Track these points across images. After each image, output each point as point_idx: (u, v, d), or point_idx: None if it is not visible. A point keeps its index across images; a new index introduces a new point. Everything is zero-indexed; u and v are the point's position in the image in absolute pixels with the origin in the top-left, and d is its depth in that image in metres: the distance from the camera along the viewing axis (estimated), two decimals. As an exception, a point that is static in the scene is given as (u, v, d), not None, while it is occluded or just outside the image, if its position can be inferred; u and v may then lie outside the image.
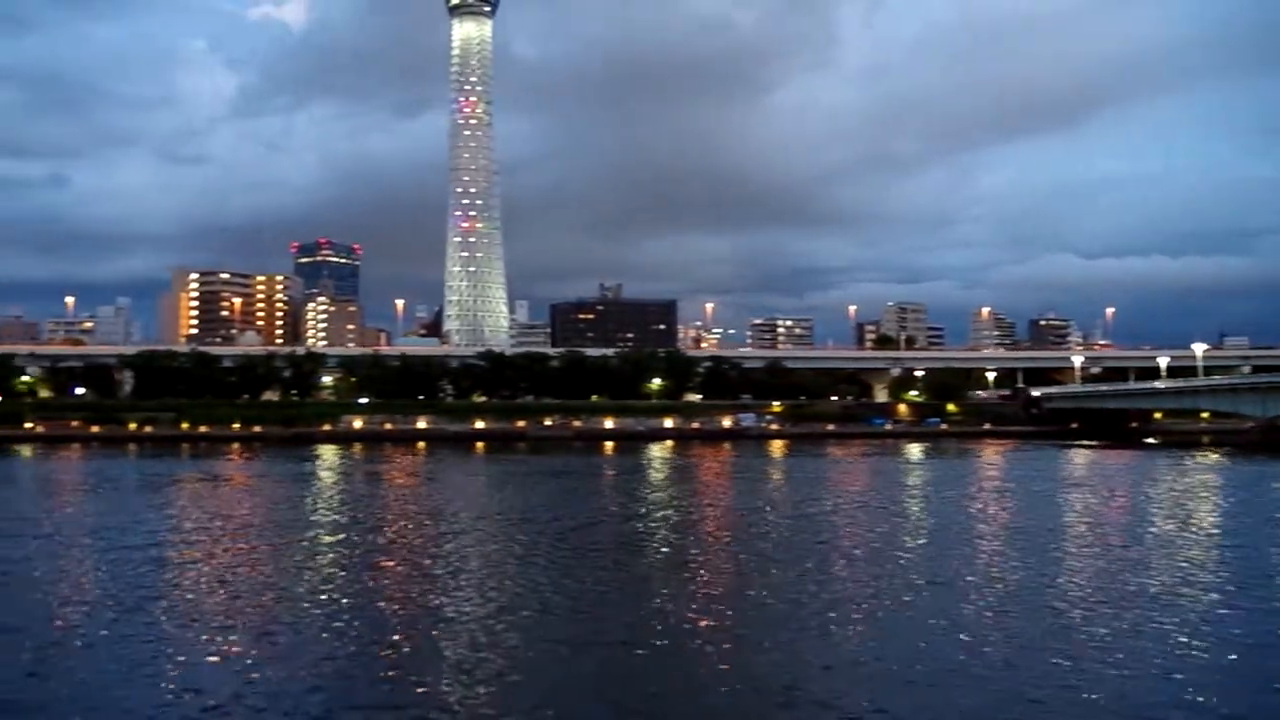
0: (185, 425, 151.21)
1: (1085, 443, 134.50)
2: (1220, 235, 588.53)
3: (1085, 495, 67.27)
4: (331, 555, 41.74)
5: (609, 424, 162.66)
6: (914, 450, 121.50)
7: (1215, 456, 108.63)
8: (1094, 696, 22.41)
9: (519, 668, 24.60)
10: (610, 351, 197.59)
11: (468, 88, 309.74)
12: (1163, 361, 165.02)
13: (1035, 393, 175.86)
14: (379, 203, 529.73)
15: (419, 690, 22.72)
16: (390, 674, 24.00)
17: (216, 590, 33.85)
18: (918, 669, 24.41)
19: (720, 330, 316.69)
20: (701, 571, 38.28)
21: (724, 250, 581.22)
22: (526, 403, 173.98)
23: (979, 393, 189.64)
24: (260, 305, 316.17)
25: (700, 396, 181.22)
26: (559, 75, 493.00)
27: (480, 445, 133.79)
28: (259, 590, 33.81)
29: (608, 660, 25.55)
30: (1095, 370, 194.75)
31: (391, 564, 39.50)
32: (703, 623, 29.28)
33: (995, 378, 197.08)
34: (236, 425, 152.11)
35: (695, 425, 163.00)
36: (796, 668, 24.67)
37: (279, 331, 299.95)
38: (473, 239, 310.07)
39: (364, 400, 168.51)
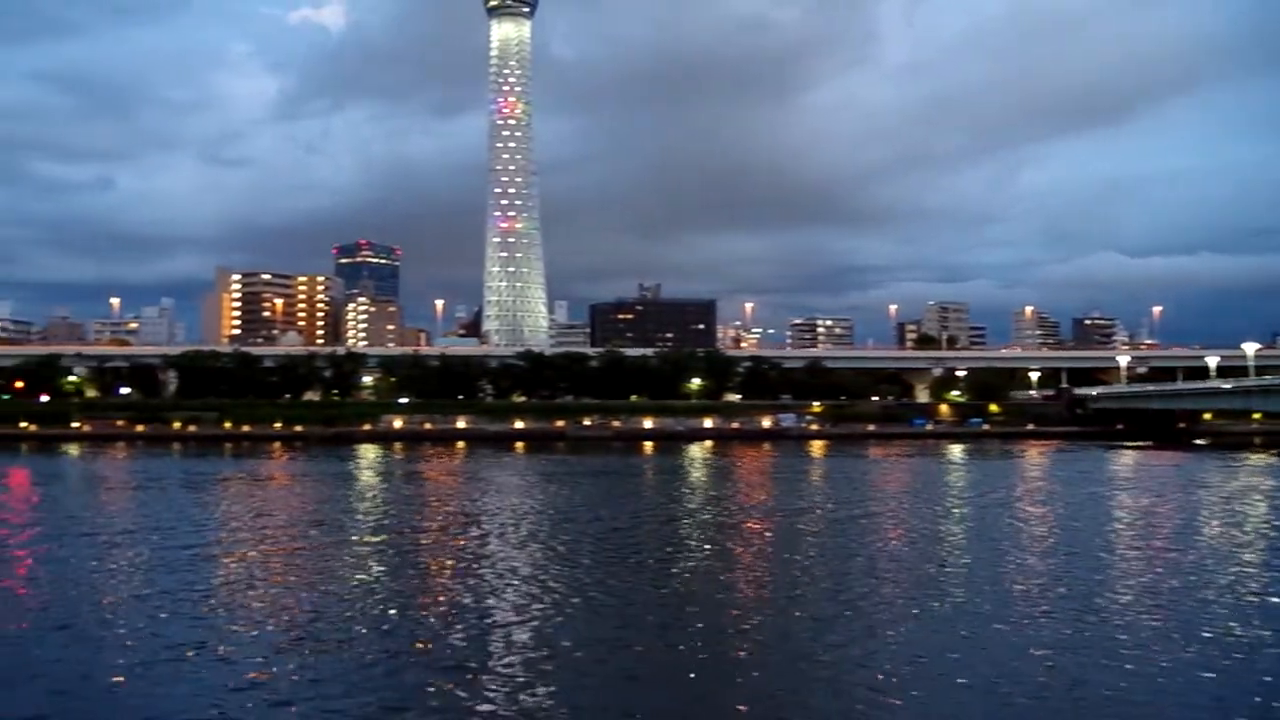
0: (228, 425, 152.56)
1: (1131, 444, 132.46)
2: (1272, 232, 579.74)
3: (1133, 497, 66.04)
4: (374, 554, 41.62)
5: (648, 424, 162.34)
6: (956, 451, 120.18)
7: (1268, 458, 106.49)
8: (1146, 699, 21.82)
9: (565, 668, 24.32)
10: (649, 351, 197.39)
11: (506, 88, 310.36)
12: (1212, 361, 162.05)
13: (1079, 393, 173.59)
14: (418, 204, 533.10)
15: (463, 691, 22.45)
16: (435, 674, 23.72)
17: (260, 589, 33.82)
18: (963, 672, 23.94)
19: (760, 330, 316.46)
20: (746, 572, 37.86)
21: (763, 250, 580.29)
22: (566, 403, 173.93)
23: (1022, 393, 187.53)
24: (301, 306, 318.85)
25: (740, 396, 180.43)
26: (597, 75, 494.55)
27: (520, 445, 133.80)
28: (303, 589, 33.73)
29: (650, 662, 25.15)
30: (1141, 370, 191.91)
31: (435, 563, 39.38)
32: (749, 623, 28.91)
33: (1039, 378, 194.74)
34: (278, 425, 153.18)
35: (735, 425, 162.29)
36: (842, 669, 24.17)
37: (320, 332, 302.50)
38: (512, 239, 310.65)
39: (404, 400, 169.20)
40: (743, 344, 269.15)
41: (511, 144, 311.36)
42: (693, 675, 23.92)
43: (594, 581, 35.23)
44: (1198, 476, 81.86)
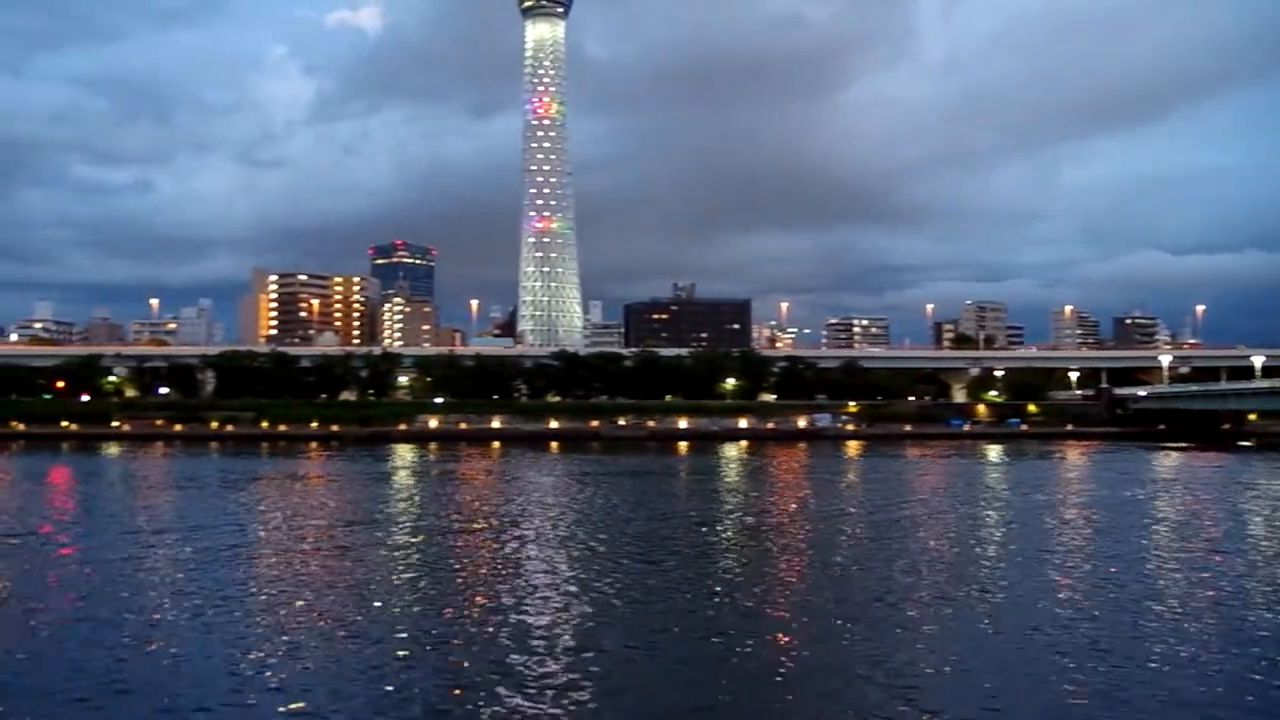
0: (265, 424, 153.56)
1: (1174, 445, 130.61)
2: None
3: (1177, 498, 64.98)
4: (411, 554, 41.55)
5: (683, 424, 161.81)
6: (994, 452, 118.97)
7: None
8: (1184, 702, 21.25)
9: (605, 667, 24.05)
10: (684, 351, 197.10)
11: (541, 89, 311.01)
12: (1257, 361, 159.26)
13: (1120, 393, 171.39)
14: (454, 204, 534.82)
15: (503, 691, 22.21)
16: (474, 674, 23.53)
17: (297, 588, 33.78)
18: (999, 673, 23.56)
19: (795, 330, 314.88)
20: (784, 573, 37.44)
21: (799, 249, 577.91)
22: (600, 403, 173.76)
23: (1061, 393, 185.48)
24: (338, 306, 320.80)
25: (775, 396, 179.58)
26: (632, 75, 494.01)
27: (554, 445, 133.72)
28: (340, 587, 33.68)
29: (690, 664, 24.79)
30: (1184, 370, 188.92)
31: (473, 563, 39.27)
32: (789, 623, 28.58)
33: (1078, 378, 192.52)
34: (314, 424, 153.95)
35: (770, 425, 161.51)
36: (883, 674, 23.71)
37: (356, 332, 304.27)
38: (547, 239, 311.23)
39: (439, 400, 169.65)
40: (778, 344, 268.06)
41: (546, 144, 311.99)
42: (731, 677, 23.54)
43: (633, 582, 35.05)
44: (1243, 478, 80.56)
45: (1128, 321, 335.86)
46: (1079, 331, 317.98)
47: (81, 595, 32.58)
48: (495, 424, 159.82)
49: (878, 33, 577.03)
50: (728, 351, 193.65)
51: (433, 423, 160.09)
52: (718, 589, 34.33)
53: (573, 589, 33.61)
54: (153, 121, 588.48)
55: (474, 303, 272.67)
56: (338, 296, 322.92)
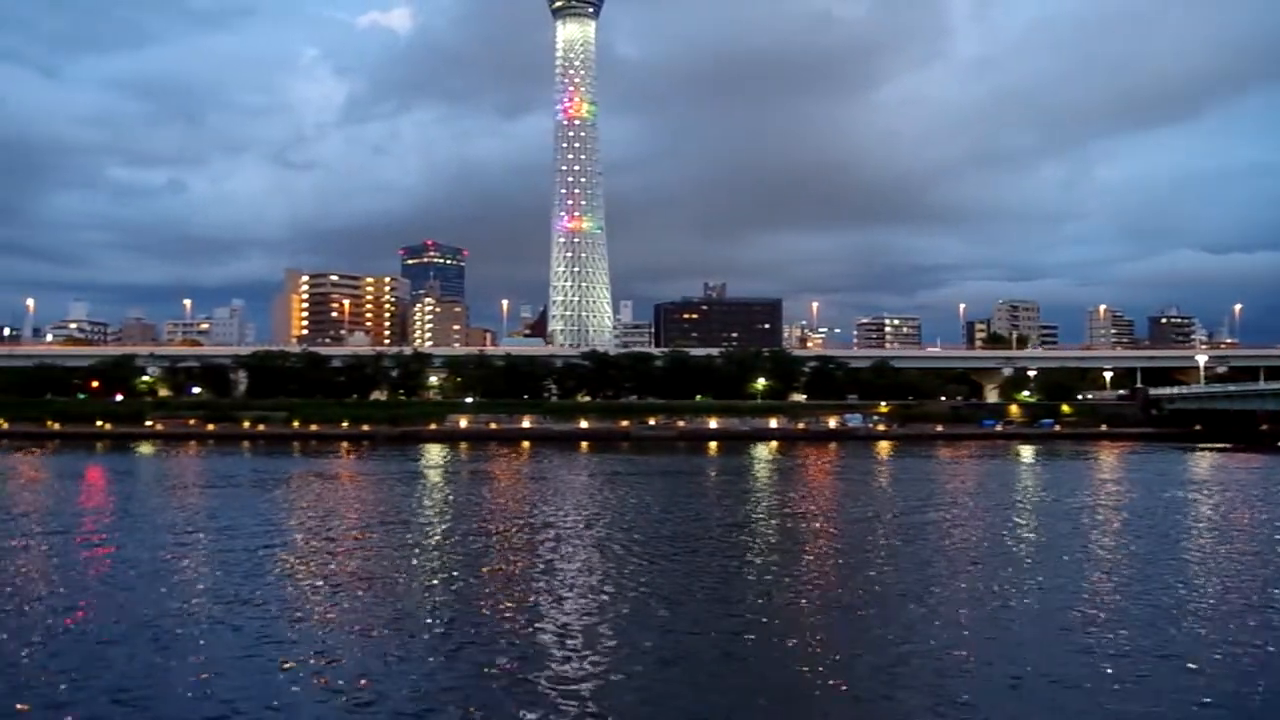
0: (296, 424, 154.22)
1: (1210, 445, 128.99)
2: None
3: (1215, 500, 64.04)
4: (442, 553, 41.52)
5: (713, 424, 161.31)
6: (1027, 452, 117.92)
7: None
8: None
9: (638, 666, 23.85)
10: (714, 351, 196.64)
11: (571, 89, 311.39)
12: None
13: (1155, 393, 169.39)
14: (484, 204, 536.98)
15: (537, 690, 22.08)
16: (501, 675, 23.36)
17: (330, 587, 33.79)
18: (1027, 676, 23.25)
19: (826, 330, 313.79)
20: (814, 574, 37.11)
21: (830, 249, 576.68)
22: (630, 402, 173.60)
23: (1095, 393, 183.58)
24: (369, 306, 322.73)
25: (805, 397, 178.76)
26: (662, 74, 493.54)
27: (584, 445, 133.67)
28: (373, 587, 33.64)
29: (721, 664, 24.52)
30: (1221, 370, 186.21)
31: (505, 563, 39.09)
32: (817, 625, 28.24)
33: (1112, 378, 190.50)
34: (345, 424, 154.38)
35: (800, 426, 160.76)
36: (914, 676, 23.40)
37: (387, 332, 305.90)
38: (577, 239, 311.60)
39: (470, 400, 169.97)
40: (809, 344, 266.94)
41: (576, 144, 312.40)
42: (761, 678, 23.29)
43: (665, 581, 34.91)
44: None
45: (1163, 321, 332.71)
46: (1113, 331, 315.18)
47: (116, 593, 32.69)
48: (525, 424, 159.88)
49: (910, 32, 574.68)
50: (758, 351, 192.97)
51: (463, 422, 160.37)
52: (750, 590, 34.06)
53: (609, 588, 33.48)
54: (186, 123, 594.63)
55: (504, 303, 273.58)
56: (369, 297, 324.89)
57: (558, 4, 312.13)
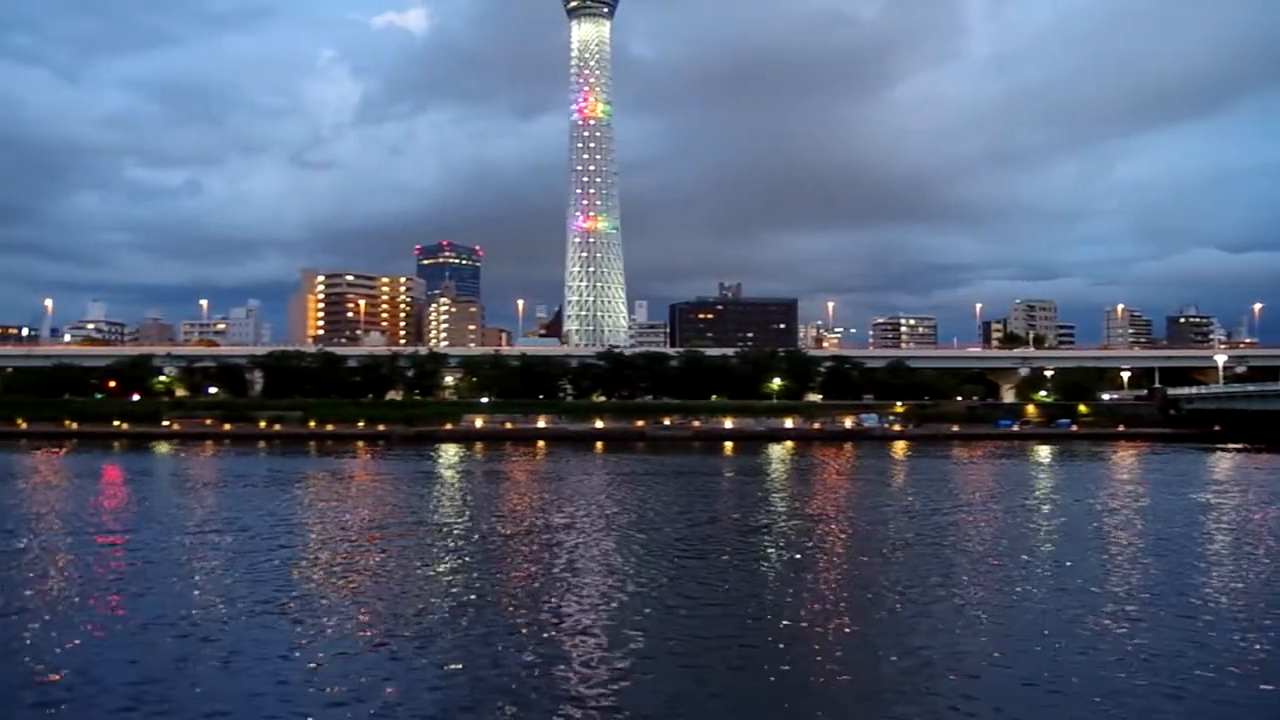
0: (312, 424, 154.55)
1: (1229, 446, 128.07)
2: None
3: (1234, 501, 63.52)
4: (460, 554, 41.45)
5: (728, 424, 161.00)
6: (1043, 453, 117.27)
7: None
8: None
9: (652, 667, 23.80)
10: (730, 351, 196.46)
11: (586, 89, 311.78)
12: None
13: (1173, 393, 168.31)
14: (499, 204, 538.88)
15: (548, 690, 22.02)
16: (523, 678, 23.28)
17: (348, 585, 33.80)
18: (1046, 677, 23.05)
19: (841, 329, 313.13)
20: (829, 574, 36.88)
21: (846, 248, 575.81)
22: (646, 402, 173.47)
23: (1112, 393, 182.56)
24: (384, 306, 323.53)
25: (821, 397, 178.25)
26: (677, 74, 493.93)
27: (600, 445, 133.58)
28: (391, 586, 33.68)
29: (734, 664, 24.41)
30: (1240, 370, 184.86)
31: (523, 564, 38.94)
32: (838, 625, 28.10)
33: (1130, 378, 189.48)
34: (361, 424, 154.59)
35: (816, 426, 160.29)
36: (926, 677, 23.23)
37: (402, 332, 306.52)
38: (592, 239, 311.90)
39: (485, 400, 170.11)
40: (824, 343, 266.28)
41: (592, 144, 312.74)
42: (774, 680, 23.14)
43: (680, 581, 34.73)
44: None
45: (1181, 320, 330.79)
46: (1131, 331, 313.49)
47: (136, 594, 32.74)
48: (541, 423, 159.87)
49: (925, 30, 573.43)
50: (774, 351, 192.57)
51: (478, 422, 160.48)
52: (764, 590, 33.92)
53: (629, 589, 33.33)
54: (204, 125, 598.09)
55: (520, 303, 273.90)
56: (384, 297, 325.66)
57: (573, 4, 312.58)
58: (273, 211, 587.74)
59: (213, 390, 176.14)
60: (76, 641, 26.31)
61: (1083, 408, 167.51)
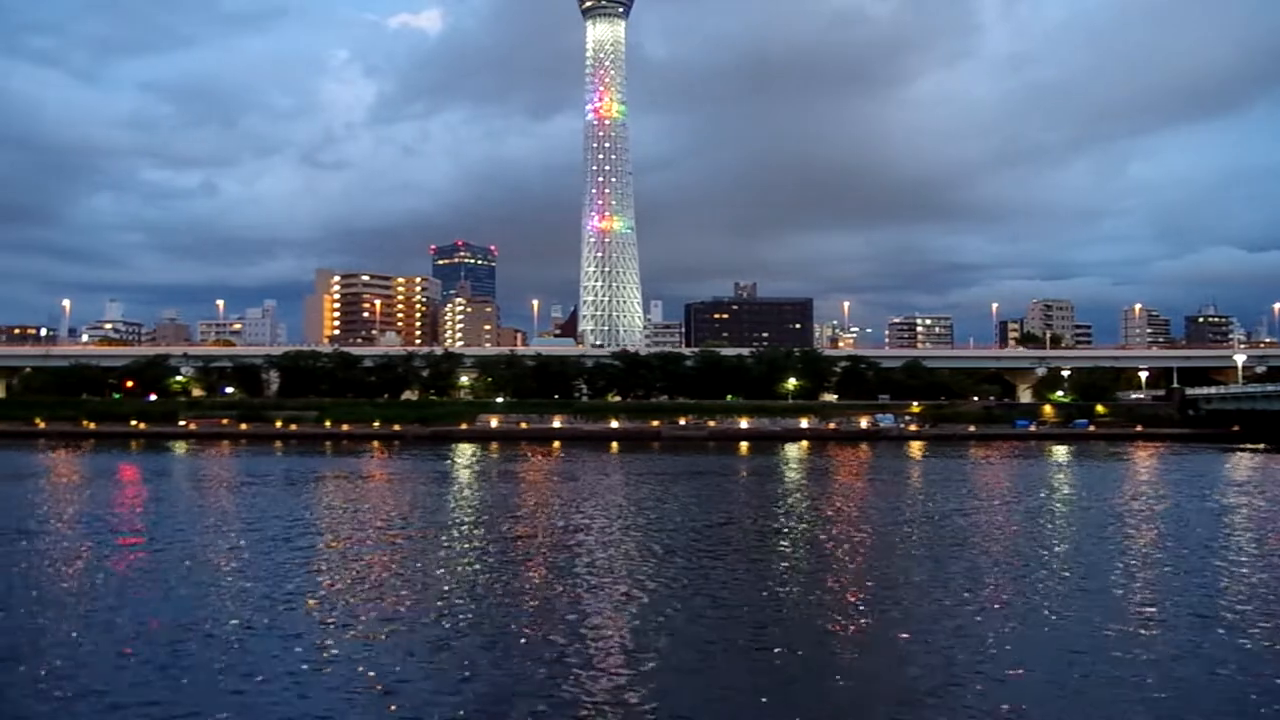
0: (328, 423, 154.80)
1: (1249, 446, 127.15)
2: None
3: (1260, 502, 62.96)
4: (478, 554, 41.33)
5: (744, 424, 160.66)
6: (1060, 453, 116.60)
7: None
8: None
9: (666, 667, 23.61)
10: (745, 351, 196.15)
11: (601, 89, 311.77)
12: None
13: (1192, 393, 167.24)
14: (514, 204, 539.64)
15: (565, 690, 21.88)
16: (543, 677, 23.18)
17: (365, 587, 33.64)
18: (1068, 679, 22.82)
19: (857, 329, 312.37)
20: (845, 574, 36.65)
21: (861, 248, 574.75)
22: (661, 402, 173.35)
23: (1130, 393, 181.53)
24: (400, 306, 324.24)
25: (836, 397, 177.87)
26: (692, 74, 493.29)
27: (615, 445, 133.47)
28: (407, 586, 33.56)
29: (751, 663, 24.24)
30: (1260, 369, 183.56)
31: (543, 565, 38.77)
32: (852, 626, 27.93)
33: (1148, 378, 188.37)
34: (376, 424, 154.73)
35: (831, 426, 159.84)
36: (942, 676, 23.01)
37: (418, 332, 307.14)
38: (608, 239, 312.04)
39: (500, 399, 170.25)
40: (840, 343, 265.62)
41: (607, 144, 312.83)
42: (788, 679, 22.97)
43: (693, 581, 34.59)
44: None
45: (1200, 320, 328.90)
46: (1149, 330, 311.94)
47: (154, 592, 32.79)
48: (556, 423, 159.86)
49: (940, 28, 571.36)
50: (789, 351, 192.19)
51: (494, 422, 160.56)
52: (779, 590, 33.71)
53: (633, 588, 33.17)
54: (219, 126, 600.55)
55: (535, 303, 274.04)
56: (400, 297, 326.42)
57: (588, 4, 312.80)
58: (287, 212, 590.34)
59: (229, 390, 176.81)
60: (91, 639, 26.29)
61: (1100, 408, 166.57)
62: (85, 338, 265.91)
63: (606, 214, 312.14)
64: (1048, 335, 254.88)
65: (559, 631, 27.40)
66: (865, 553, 42.54)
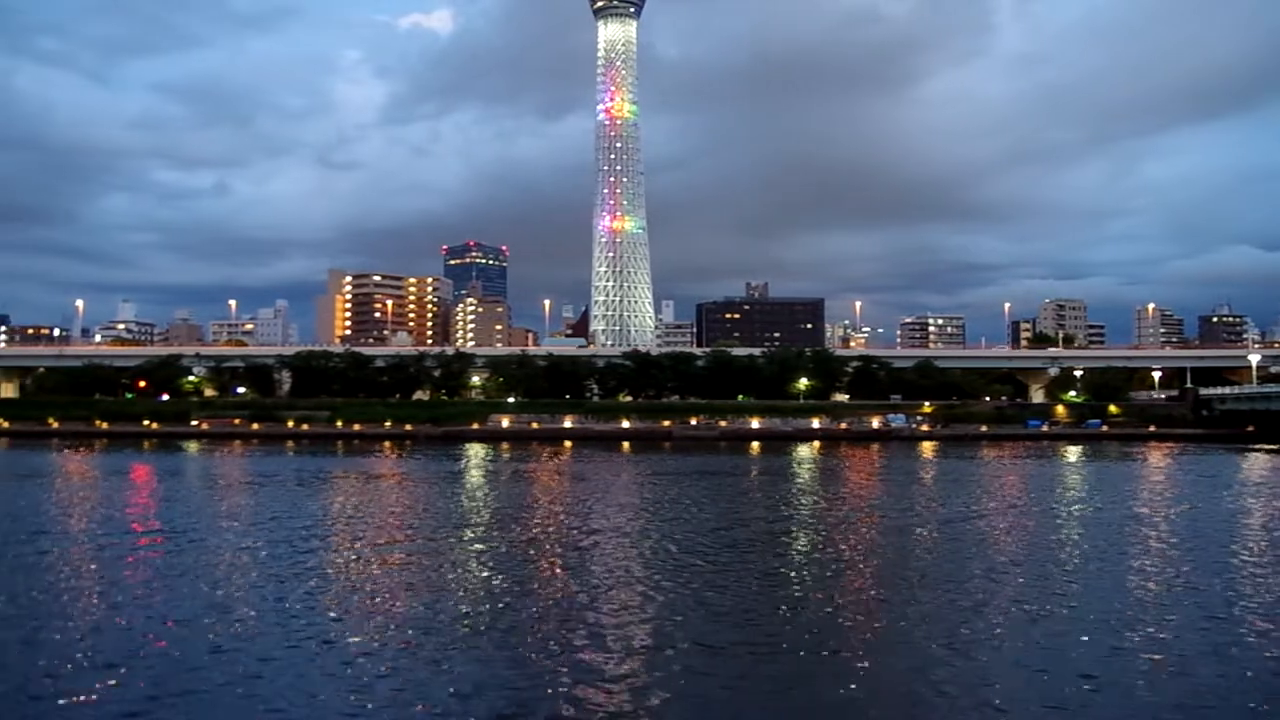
0: (339, 423, 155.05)
1: (1263, 447, 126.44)
2: None
3: (1269, 504, 62.55)
4: (491, 555, 41.21)
5: (755, 424, 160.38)
6: (1073, 453, 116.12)
7: None
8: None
9: (679, 668, 23.44)
10: (756, 351, 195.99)
11: (613, 89, 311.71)
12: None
13: (1206, 393, 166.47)
14: (526, 204, 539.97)
15: (579, 691, 21.78)
16: (555, 676, 23.06)
17: (377, 587, 33.60)
18: (1077, 681, 22.58)
19: (869, 329, 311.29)
20: (857, 575, 36.51)
21: (873, 247, 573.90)
22: (672, 402, 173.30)
23: (1143, 393, 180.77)
24: (411, 306, 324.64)
25: (848, 397, 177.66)
26: (703, 73, 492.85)
27: (626, 445, 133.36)
28: (419, 587, 33.48)
29: (765, 664, 24.07)
30: (1275, 369, 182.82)
31: (557, 565, 38.65)
32: (864, 628, 27.76)
33: (1161, 378, 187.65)
34: (388, 424, 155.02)
35: (843, 426, 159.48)
36: (957, 680, 22.86)
37: (429, 332, 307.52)
38: (619, 239, 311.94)
39: (512, 399, 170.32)
40: (851, 343, 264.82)
41: (618, 144, 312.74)
42: (804, 680, 22.85)
43: (705, 582, 34.40)
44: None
45: (1214, 319, 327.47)
46: (1162, 330, 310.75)
47: (168, 592, 32.74)
48: (567, 423, 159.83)
49: (953, 27, 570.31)
50: (800, 351, 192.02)
51: (505, 422, 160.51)
52: (791, 591, 33.58)
53: (646, 589, 33.04)
54: (231, 126, 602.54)
55: (546, 303, 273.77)
56: (411, 297, 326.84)
57: (599, 4, 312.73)
58: (299, 212, 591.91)
59: (241, 390, 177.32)
60: (106, 637, 26.25)
61: (1113, 408, 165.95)
62: (98, 338, 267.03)
63: (618, 214, 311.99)
64: (1060, 335, 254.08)
65: (575, 633, 27.28)
66: (879, 554, 42.40)
